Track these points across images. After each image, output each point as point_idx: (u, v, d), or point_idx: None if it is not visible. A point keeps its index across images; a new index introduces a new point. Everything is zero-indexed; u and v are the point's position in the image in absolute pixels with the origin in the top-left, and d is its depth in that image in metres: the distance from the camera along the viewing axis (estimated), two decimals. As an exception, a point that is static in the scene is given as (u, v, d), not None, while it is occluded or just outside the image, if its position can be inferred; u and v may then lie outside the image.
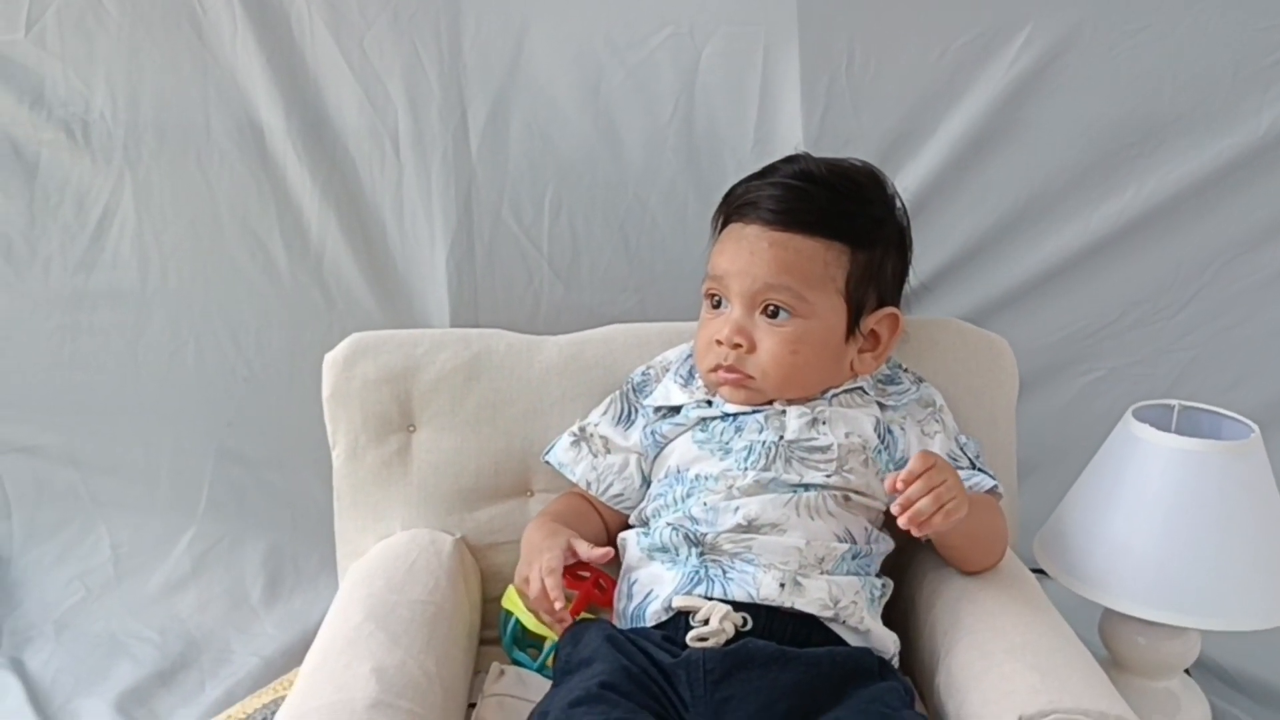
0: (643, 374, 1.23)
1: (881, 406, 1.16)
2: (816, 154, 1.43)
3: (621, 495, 1.18)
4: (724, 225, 1.18)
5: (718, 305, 1.15)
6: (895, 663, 1.08)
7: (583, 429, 1.20)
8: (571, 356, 1.26)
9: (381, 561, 1.17)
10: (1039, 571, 1.26)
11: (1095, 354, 1.53)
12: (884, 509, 1.12)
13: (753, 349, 1.12)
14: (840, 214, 1.13)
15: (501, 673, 1.14)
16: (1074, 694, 0.95)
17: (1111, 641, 1.24)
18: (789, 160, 1.18)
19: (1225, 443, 1.14)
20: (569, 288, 1.52)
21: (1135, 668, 1.23)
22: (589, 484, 1.18)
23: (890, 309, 1.17)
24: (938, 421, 1.17)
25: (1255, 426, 1.16)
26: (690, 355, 1.21)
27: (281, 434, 1.58)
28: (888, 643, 1.07)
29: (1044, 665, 0.99)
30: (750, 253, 1.12)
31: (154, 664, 1.47)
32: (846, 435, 1.12)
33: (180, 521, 1.63)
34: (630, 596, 1.09)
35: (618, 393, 1.22)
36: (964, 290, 1.50)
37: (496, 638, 1.25)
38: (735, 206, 1.16)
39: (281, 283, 1.55)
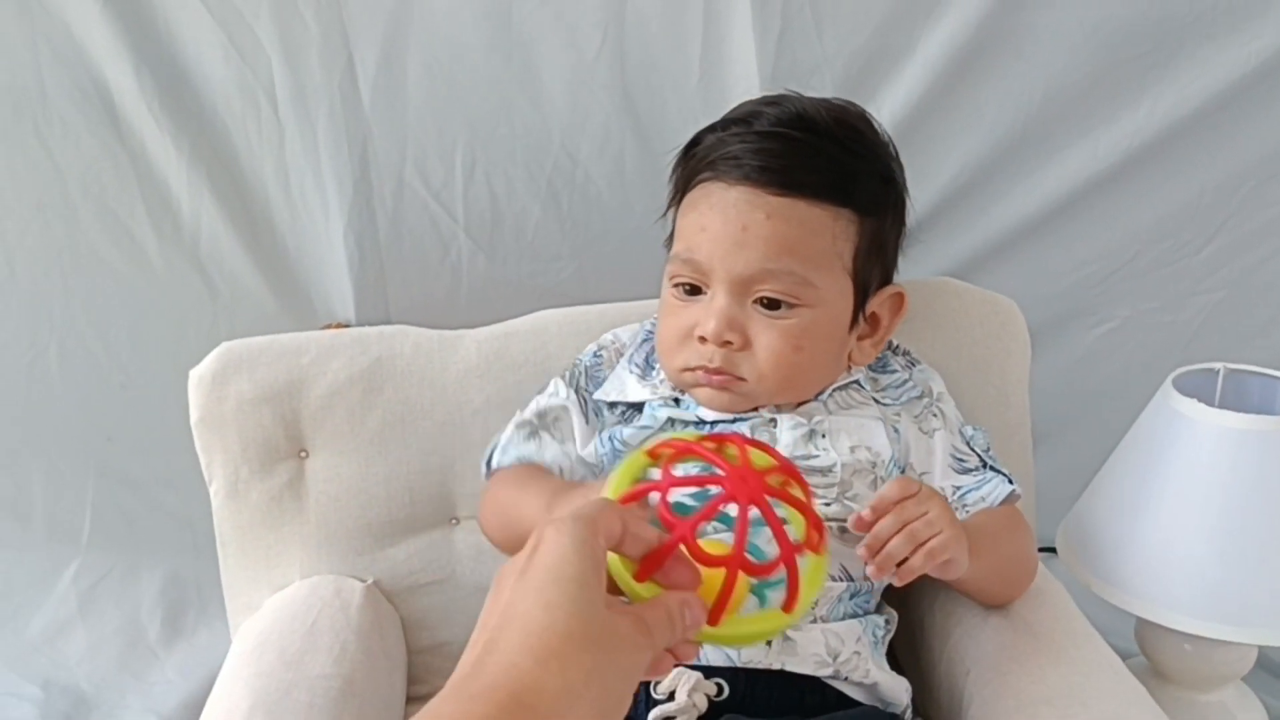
0: (595, 355, 1.00)
1: (878, 403, 0.95)
2: (774, 84, 1.23)
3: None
4: (690, 184, 0.92)
5: (692, 292, 0.91)
6: (908, 715, 0.89)
7: (541, 415, 0.96)
8: (494, 354, 1.05)
9: (275, 624, 0.96)
10: (1049, 550, 1.08)
11: (1107, 302, 1.33)
12: None
13: (745, 346, 0.88)
14: (849, 174, 0.89)
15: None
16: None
17: (1151, 649, 1.06)
18: (772, 102, 0.92)
19: (1288, 418, 0.95)
20: (492, 259, 1.30)
21: (1180, 679, 1.06)
22: (561, 471, 0.95)
23: (895, 287, 0.95)
24: (936, 414, 0.96)
25: (1321, 393, 0.97)
26: (648, 339, 0.99)
27: (170, 447, 1.36)
28: (899, 693, 0.88)
29: (1094, 717, 0.81)
30: (741, 227, 0.87)
31: (34, 730, 1.26)
32: (852, 450, 0.91)
33: (61, 554, 1.43)
34: None
35: (570, 386, 0.98)
36: (954, 236, 1.30)
37: (426, 694, 1.05)
38: (708, 160, 0.90)
39: (153, 272, 1.33)
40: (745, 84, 1.23)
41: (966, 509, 0.91)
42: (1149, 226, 1.31)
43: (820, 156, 0.88)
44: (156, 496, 1.43)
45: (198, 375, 1.02)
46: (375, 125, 1.25)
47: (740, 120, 0.92)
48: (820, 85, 1.23)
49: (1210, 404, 0.98)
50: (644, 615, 0.53)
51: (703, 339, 0.88)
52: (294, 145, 1.27)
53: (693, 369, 0.90)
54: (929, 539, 0.78)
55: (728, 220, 0.87)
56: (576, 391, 0.97)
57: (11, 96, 1.26)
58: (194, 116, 1.26)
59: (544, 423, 0.96)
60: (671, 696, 0.81)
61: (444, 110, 1.25)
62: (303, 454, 1.03)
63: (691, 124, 1.24)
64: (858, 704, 0.86)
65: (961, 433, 0.96)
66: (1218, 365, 1.04)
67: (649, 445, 0.65)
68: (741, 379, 0.89)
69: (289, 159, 1.27)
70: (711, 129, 0.94)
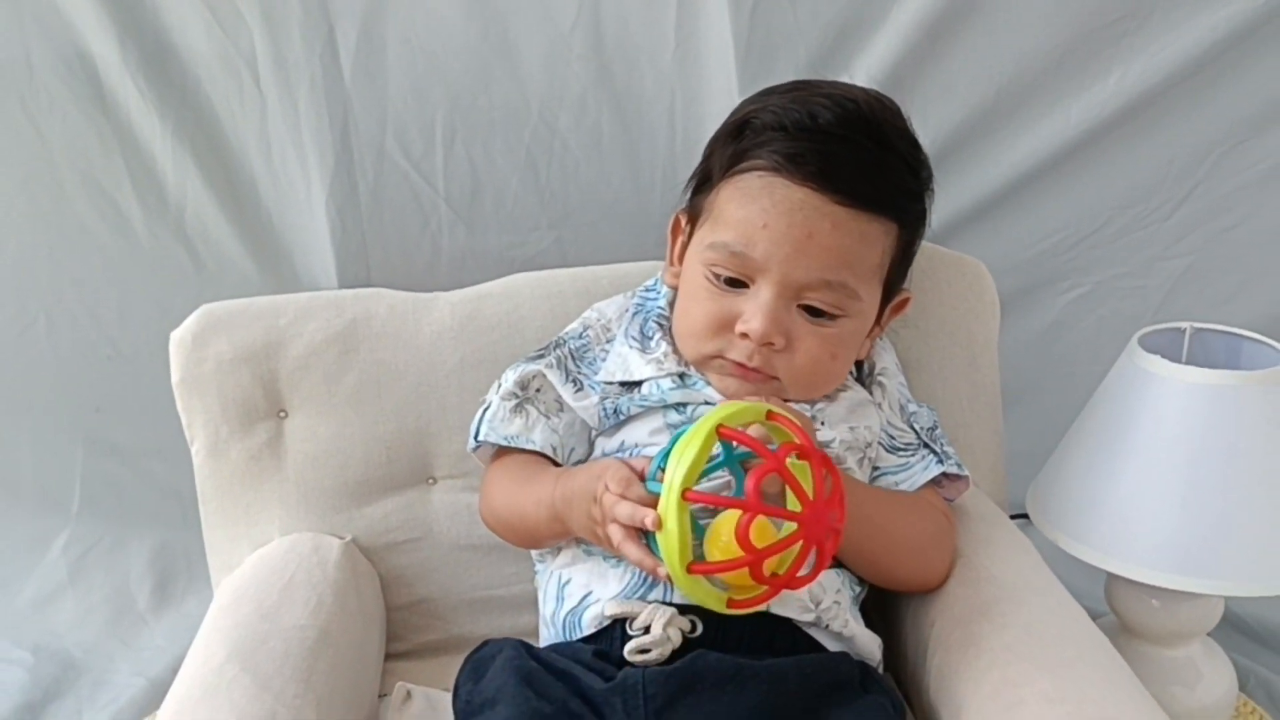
0: (579, 336, 1.00)
1: (861, 384, 0.97)
2: (749, 54, 1.24)
3: (581, 462, 0.96)
4: (740, 167, 0.89)
5: (731, 283, 0.89)
6: (880, 670, 0.90)
7: (523, 384, 0.96)
8: (468, 316, 1.06)
9: (254, 579, 0.98)
10: (1022, 516, 1.09)
11: (1079, 268, 1.34)
12: None
13: (785, 348, 0.88)
14: (906, 191, 0.91)
15: (408, 696, 0.97)
16: (1094, 703, 0.77)
17: (1120, 606, 1.08)
18: (828, 95, 0.89)
19: (1250, 373, 0.96)
20: (472, 229, 1.31)
21: (1149, 635, 1.07)
22: (554, 449, 0.94)
23: (907, 291, 0.96)
24: (879, 387, 0.97)
25: (1282, 349, 0.99)
26: (636, 312, 0.99)
27: (158, 417, 1.36)
28: (872, 647, 0.90)
29: (1055, 663, 0.82)
30: (807, 234, 0.86)
31: (23, 693, 1.28)
32: (851, 430, 0.92)
33: (51, 524, 1.45)
34: (562, 599, 0.90)
35: (552, 355, 0.98)
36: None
37: (405, 651, 1.07)
38: (768, 149, 0.87)
39: (139, 244, 1.35)
40: (720, 55, 1.24)
41: None
42: (1118, 194, 1.31)
43: (884, 171, 0.89)
44: (145, 466, 1.44)
45: (178, 337, 1.04)
46: (356, 97, 1.26)
47: (800, 111, 0.88)
48: (794, 56, 1.24)
49: (1177, 362, 0.99)
50: None
51: (744, 335, 0.88)
52: (276, 117, 1.28)
53: (724, 359, 0.90)
54: None
55: (793, 224, 0.86)
56: (560, 363, 0.97)
57: (-2, 70, 1.28)
58: (178, 89, 1.27)
59: (527, 394, 0.96)
60: (647, 630, 0.83)
61: (423, 82, 1.26)
62: (281, 414, 1.04)
63: (667, 94, 1.27)
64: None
65: (904, 409, 0.97)
66: (1184, 325, 1.05)
67: (713, 418, 0.75)
68: (774, 378, 0.90)
69: (271, 131, 1.29)
70: (762, 110, 0.90)
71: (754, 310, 0.87)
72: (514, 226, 1.31)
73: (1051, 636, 0.85)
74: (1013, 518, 1.04)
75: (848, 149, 0.87)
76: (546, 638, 0.92)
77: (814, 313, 0.88)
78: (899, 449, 0.96)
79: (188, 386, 1.04)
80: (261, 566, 1.00)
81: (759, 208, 0.87)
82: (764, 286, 0.87)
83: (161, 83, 1.27)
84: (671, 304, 0.98)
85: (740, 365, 0.89)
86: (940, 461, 0.95)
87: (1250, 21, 1.24)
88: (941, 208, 1.30)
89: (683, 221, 0.96)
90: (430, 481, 1.07)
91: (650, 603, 0.84)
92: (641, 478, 0.80)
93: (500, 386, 0.97)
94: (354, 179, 1.29)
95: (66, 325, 1.38)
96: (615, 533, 0.79)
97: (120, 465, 1.44)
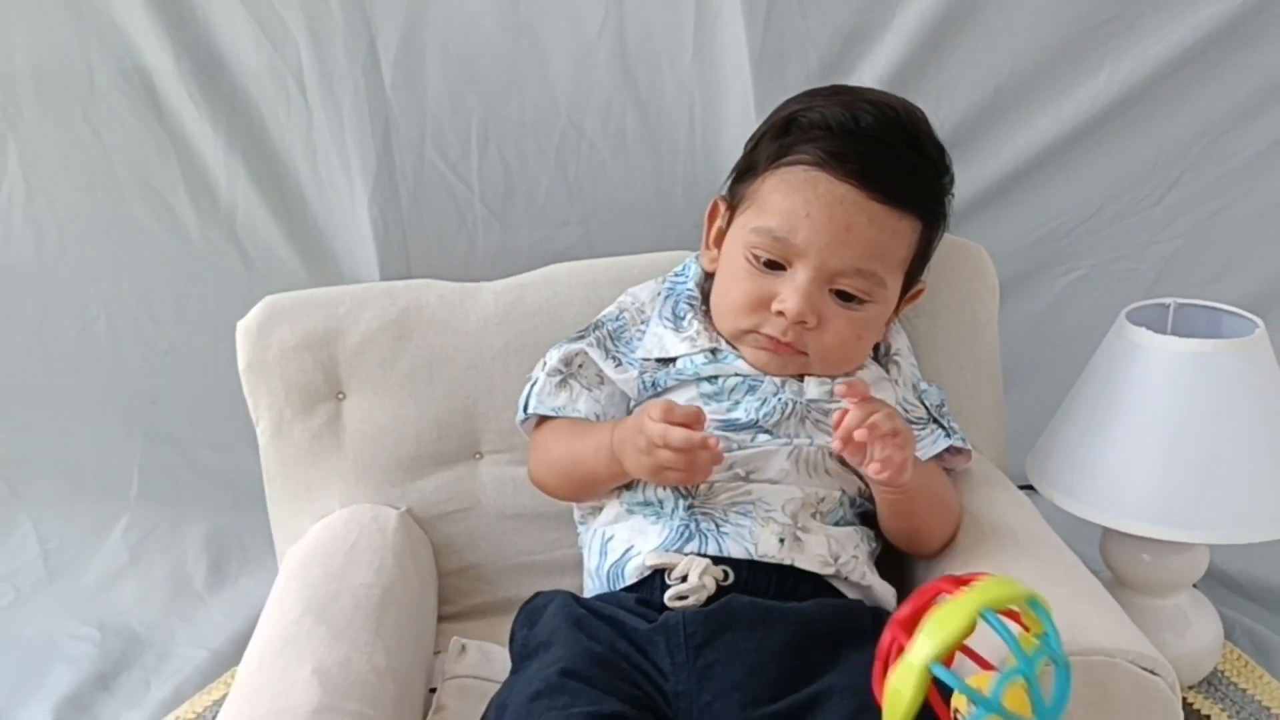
0: (616, 319, 1.08)
1: (876, 362, 1.06)
2: (763, 58, 1.33)
3: None
4: (785, 160, 0.97)
5: (770, 265, 0.97)
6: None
7: (566, 361, 1.04)
8: (511, 303, 1.15)
9: (319, 545, 1.07)
10: (1027, 488, 1.18)
11: (1075, 253, 1.43)
12: None
13: (816, 327, 0.97)
14: (934, 193, 1.00)
15: (463, 649, 1.05)
16: (1088, 631, 0.86)
17: (1114, 561, 1.16)
18: (869, 100, 0.98)
19: (1228, 341, 1.05)
20: (505, 226, 1.40)
21: (1141, 586, 1.15)
22: (597, 418, 1.02)
23: (922, 283, 1.05)
24: (894, 365, 1.06)
25: (1259, 321, 1.07)
26: (667, 296, 1.07)
27: (211, 409, 1.48)
28: (887, 596, 0.98)
29: (1050, 597, 0.90)
30: (846, 227, 0.94)
31: (93, 665, 1.36)
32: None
33: (111, 510, 1.54)
34: (606, 554, 0.99)
35: (592, 336, 1.06)
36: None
37: (455, 613, 1.16)
38: (815, 146, 0.96)
39: (193, 245, 1.44)
40: (736, 60, 1.33)
41: None
42: (1110, 182, 1.40)
43: (917, 174, 0.98)
44: (199, 456, 1.54)
45: (244, 326, 1.13)
46: (396, 104, 1.36)
47: (845, 114, 0.96)
48: (805, 60, 1.33)
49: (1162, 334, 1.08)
50: None
51: (780, 313, 0.96)
52: (321, 125, 1.37)
53: (760, 333, 0.98)
54: (889, 435, 0.89)
55: (834, 216, 0.94)
56: (600, 342, 1.05)
57: (62, 84, 1.37)
58: (229, 100, 1.37)
59: (571, 370, 1.04)
60: (684, 579, 0.91)
61: (459, 88, 1.35)
62: (340, 396, 1.13)
63: (687, 97, 1.37)
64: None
65: (916, 387, 1.06)
66: (1168, 300, 1.14)
67: (979, 597, 0.69)
68: (803, 353, 0.98)
69: (316, 138, 1.38)
70: (808, 109, 0.98)
71: (791, 291, 0.96)
72: (545, 222, 1.40)
73: (1048, 577, 0.93)
74: (1021, 488, 1.13)
75: (886, 151, 0.96)
76: (591, 590, 1.00)
77: (844, 297, 0.97)
78: (911, 423, 1.04)
79: (253, 372, 1.12)
80: (325, 535, 1.09)
81: (803, 198, 0.95)
82: (801, 270, 0.96)
83: (213, 93, 1.36)
84: (700, 286, 1.07)
85: (774, 340, 0.98)
86: (948, 435, 1.03)
87: (1230, 20, 1.33)
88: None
89: (721, 207, 1.05)
90: (477, 456, 1.16)
91: (687, 554, 0.93)
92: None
93: (545, 364, 1.06)
94: (395, 181, 1.38)
95: (125, 322, 1.47)
96: (669, 460, 0.89)
97: (176, 454, 1.54)
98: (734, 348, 1.01)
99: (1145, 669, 0.84)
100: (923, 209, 0.99)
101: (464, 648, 1.05)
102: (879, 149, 0.96)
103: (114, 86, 1.37)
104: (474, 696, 0.98)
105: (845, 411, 0.90)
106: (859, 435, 0.88)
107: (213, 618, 1.44)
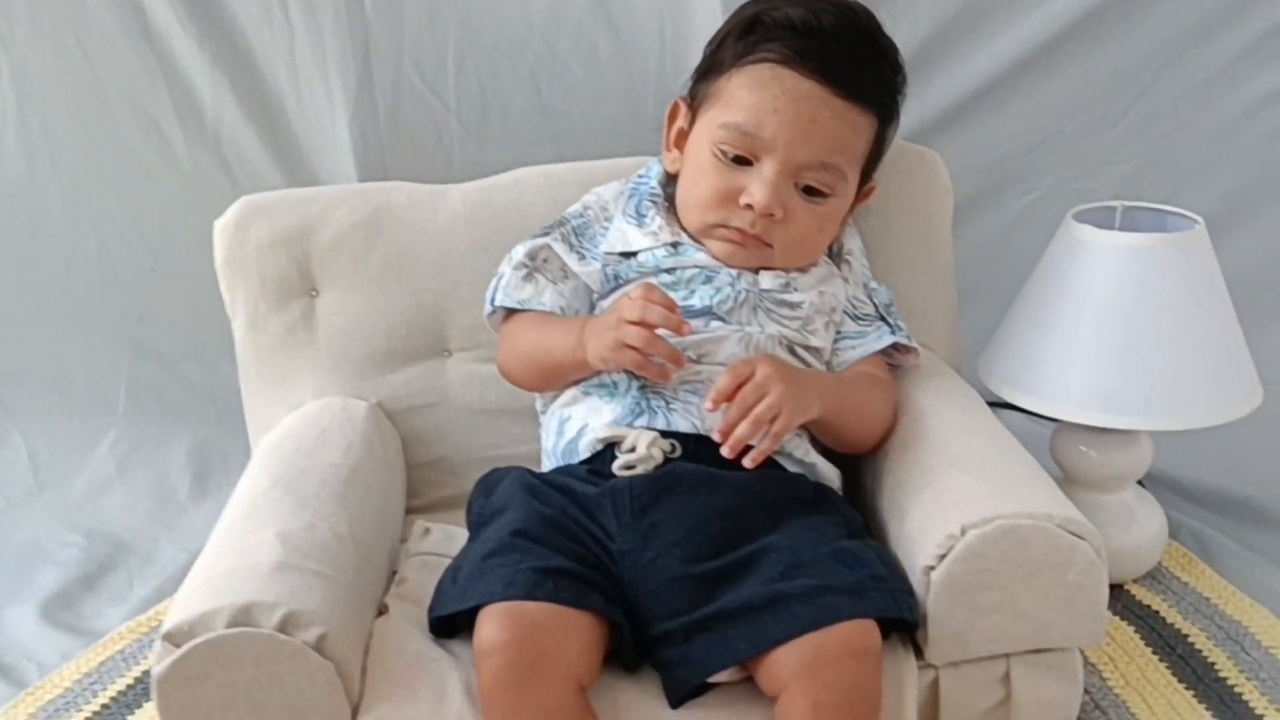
0: (580, 215, 1.11)
1: (829, 260, 1.10)
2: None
3: None
4: (750, 59, 1.01)
5: (738, 161, 1.01)
6: (838, 496, 1.03)
7: (531, 255, 1.08)
8: (479, 204, 1.19)
9: (292, 430, 1.11)
10: (992, 405, 1.22)
11: (1034, 172, 1.47)
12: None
13: (783, 220, 1.01)
14: (889, 88, 1.04)
15: (427, 531, 1.09)
16: (1019, 499, 0.90)
17: (1063, 457, 1.20)
18: (826, 1, 1.01)
19: (1169, 235, 1.09)
20: (480, 144, 1.44)
21: (1088, 481, 1.19)
22: (562, 310, 1.06)
23: (874, 182, 1.09)
24: (845, 264, 1.10)
25: (1199, 218, 1.11)
26: (631, 195, 1.11)
27: (196, 326, 1.52)
28: (831, 475, 1.02)
29: (988, 474, 0.95)
30: (811, 120, 0.98)
31: (79, 567, 1.40)
32: (820, 294, 1.06)
33: (99, 424, 1.58)
34: (563, 433, 1.03)
35: (556, 232, 1.10)
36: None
37: (423, 506, 1.20)
38: (779, 44, 0.99)
39: (180, 164, 1.48)
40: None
41: (839, 353, 1.06)
42: (1069, 103, 1.43)
43: (876, 70, 1.02)
44: (185, 372, 1.58)
45: (221, 224, 1.17)
46: (376, 25, 1.39)
47: (808, 14, 1.00)
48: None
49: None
50: None
51: (749, 206, 1.00)
52: (303, 45, 1.40)
53: (728, 227, 1.02)
54: (772, 420, 0.91)
55: (799, 111, 0.98)
56: (564, 238, 1.09)
57: (53, 8, 1.41)
58: (216, 23, 1.40)
59: (536, 264, 1.08)
60: (634, 451, 0.95)
61: (437, 10, 1.39)
62: (313, 292, 1.17)
63: (657, 19, 1.40)
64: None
65: (866, 286, 1.10)
66: (1115, 203, 1.18)
67: None
68: (769, 245, 1.02)
69: (299, 58, 1.41)
70: (772, 9, 1.01)
71: (759, 184, 0.99)
72: (519, 140, 1.44)
73: (989, 456, 0.97)
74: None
75: (847, 49, 1.00)
76: (548, 467, 1.05)
77: (808, 192, 1.01)
78: (859, 318, 1.08)
79: (230, 267, 1.16)
80: (298, 421, 1.13)
81: (770, 94, 0.99)
82: (768, 164, 1.00)
83: (200, 16, 1.40)
84: (663, 185, 1.10)
85: (741, 232, 1.02)
86: (893, 332, 1.07)
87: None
88: (909, 116, 1.42)
89: (682, 107, 1.08)
90: (446, 353, 1.20)
91: (637, 428, 0.97)
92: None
93: (511, 260, 1.09)
94: (374, 99, 1.42)
95: (114, 240, 1.51)
96: (633, 334, 0.92)
97: (162, 370, 1.58)
98: (696, 242, 1.05)
99: (1071, 533, 0.88)
100: (880, 105, 1.03)
101: (428, 530, 1.10)
102: (841, 47, 1.00)
103: (105, 9, 1.40)
104: (435, 570, 1.01)
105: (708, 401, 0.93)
106: (743, 429, 0.91)
107: (195, 525, 1.48)
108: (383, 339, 1.18)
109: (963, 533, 0.88)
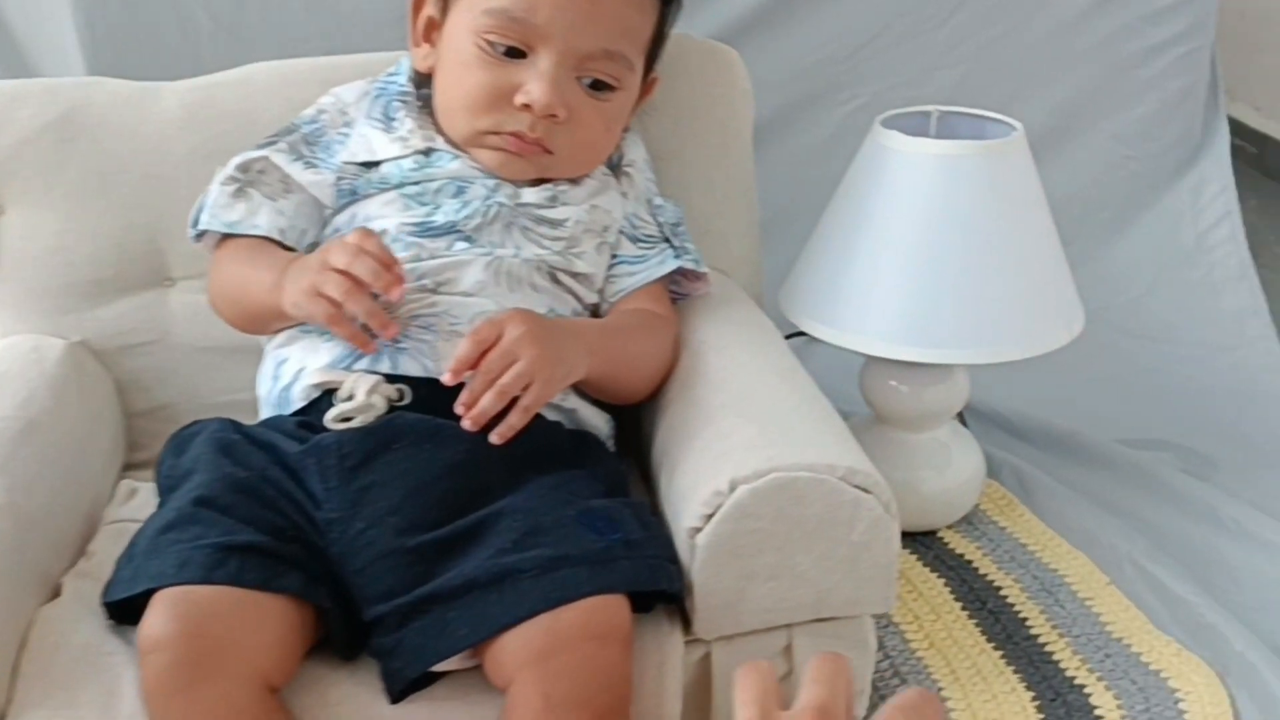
0: (313, 121, 0.95)
1: (609, 170, 0.95)
2: None
3: (315, 245, 0.91)
4: None
5: (509, 54, 0.86)
6: (610, 445, 0.89)
7: (244, 168, 0.91)
8: (199, 105, 1.01)
9: (-41, 377, 0.93)
10: (796, 335, 1.09)
11: (855, 78, 1.34)
12: (597, 301, 0.93)
13: (568, 121, 0.86)
14: None
15: (134, 492, 0.94)
16: (797, 446, 0.78)
17: (872, 394, 1.09)
18: None
19: (985, 142, 0.97)
20: (236, 39, 1.26)
21: (900, 420, 1.09)
22: (282, 233, 0.89)
23: (655, 74, 0.95)
24: (625, 177, 0.96)
25: (1018, 125, 0.99)
26: (378, 95, 0.95)
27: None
28: (598, 421, 0.89)
29: (765, 415, 0.83)
30: (592, 2, 0.85)
31: None
32: (590, 210, 0.91)
33: None
34: (279, 378, 0.87)
35: (283, 141, 0.93)
36: (692, 7, 1.28)
37: (148, 460, 1.03)
38: None
39: None
40: None
41: (614, 281, 0.93)
42: (893, 3, 1.31)
43: None
44: None
45: None
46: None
47: None
48: None
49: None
50: None
51: (526, 106, 0.85)
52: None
53: (501, 133, 0.87)
54: (523, 390, 0.77)
55: None
56: (292, 146, 0.93)
57: None
58: None
59: (249, 177, 0.91)
60: (351, 399, 0.80)
61: None
62: (-6, 210, 0.98)
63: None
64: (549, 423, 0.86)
65: (650, 203, 0.96)
66: (930, 108, 1.05)
67: None
68: (549, 152, 0.88)
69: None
70: None
71: (536, 80, 0.85)
72: (281, 35, 1.26)
73: (770, 396, 0.85)
74: (788, 337, 1.04)
75: None
76: (263, 417, 0.89)
77: (594, 85, 0.87)
78: (639, 240, 0.94)
79: (-119, 177, 0.97)
80: (-31, 366, 0.94)
81: None
82: (545, 55, 0.85)
83: None
84: (415, 83, 0.94)
85: (517, 138, 0.87)
86: (678, 256, 0.94)
87: None
88: (709, 14, 1.29)
89: None
90: (167, 282, 1.02)
91: (357, 372, 0.82)
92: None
93: (221, 174, 0.92)
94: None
95: None
96: (333, 283, 0.77)
97: None
98: (455, 149, 0.90)
99: (856, 486, 0.77)
100: None
101: (134, 491, 0.94)
102: None
103: None
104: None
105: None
106: (486, 402, 0.77)
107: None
108: (86, 266, 0.99)
109: (732, 489, 0.76)
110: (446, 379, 0.77)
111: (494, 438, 0.77)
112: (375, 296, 0.79)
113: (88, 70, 1.23)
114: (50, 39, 1.24)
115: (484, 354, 0.77)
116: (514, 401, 0.78)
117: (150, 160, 0.99)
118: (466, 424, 0.77)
